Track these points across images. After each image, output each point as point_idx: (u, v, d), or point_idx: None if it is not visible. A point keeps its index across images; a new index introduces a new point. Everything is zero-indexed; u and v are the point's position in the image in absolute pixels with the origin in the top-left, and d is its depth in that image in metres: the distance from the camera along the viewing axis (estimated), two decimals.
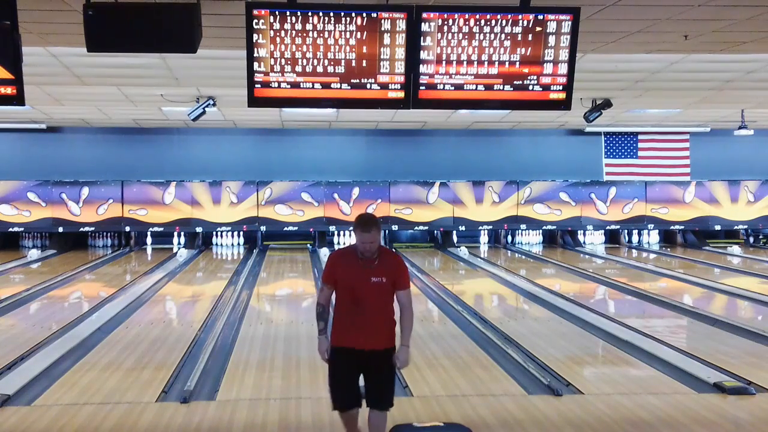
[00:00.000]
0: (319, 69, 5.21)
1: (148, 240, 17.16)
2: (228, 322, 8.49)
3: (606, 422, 5.05)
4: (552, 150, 17.18)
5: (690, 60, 8.46)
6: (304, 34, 5.13)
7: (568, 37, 5.31)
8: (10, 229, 16.18)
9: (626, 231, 18.02)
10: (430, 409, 5.30)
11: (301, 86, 5.25)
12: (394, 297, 4.32)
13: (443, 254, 16.25)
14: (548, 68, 5.39)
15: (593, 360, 7.18)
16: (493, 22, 5.23)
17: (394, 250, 16.98)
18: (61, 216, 16.19)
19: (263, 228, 16.72)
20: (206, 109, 11.26)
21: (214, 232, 16.90)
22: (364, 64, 5.23)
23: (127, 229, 16.55)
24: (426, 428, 4.43)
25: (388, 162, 16.90)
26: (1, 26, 4.84)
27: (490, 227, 17.38)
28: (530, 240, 17.79)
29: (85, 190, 16.26)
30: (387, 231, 17.18)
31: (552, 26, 5.28)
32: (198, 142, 16.46)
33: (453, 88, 5.37)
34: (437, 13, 5.19)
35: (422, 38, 5.22)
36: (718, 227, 17.73)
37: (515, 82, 5.40)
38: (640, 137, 16.34)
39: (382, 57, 5.23)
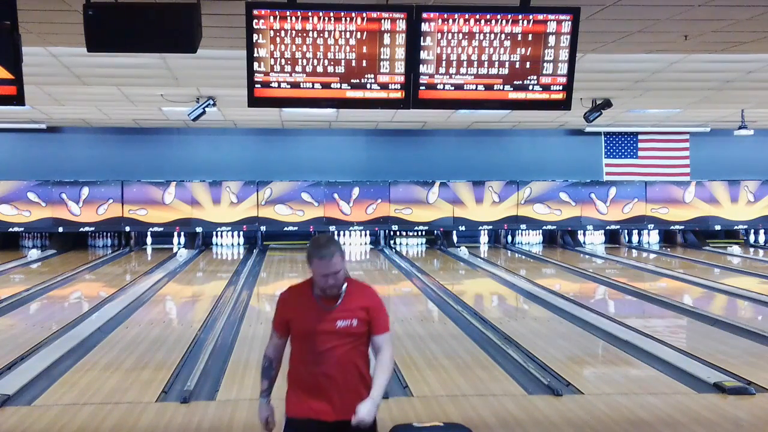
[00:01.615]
0: (319, 69, 5.21)
1: (148, 240, 17.16)
2: (228, 322, 8.49)
3: (606, 422, 5.05)
4: (552, 150, 17.18)
5: (690, 60, 8.46)
6: (304, 34, 5.13)
7: (568, 37, 5.31)
8: (10, 229, 16.18)
9: (626, 231, 18.01)
10: (430, 409, 5.30)
11: (301, 86, 5.25)
12: (369, 345, 3.32)
13: (443, 254, 16.25)
14: (548, 68, 5.38)
15: (593, 360, 7.18)
16: (493, 22, 5.23)
17: (392, 247, 17.05)
18: (61, 216, 16.19)
19: (263, 228, 16.72)
20: (206, 109, 11.26)
21: (214, 232, 16.90)
22: (364, 64, 5.22)
23: (127, 229, 16.55)
24: (426, 428, 4.41)
25: (388, 162, 16.90)
26: (1, 26, 4.83)
27: (490, 227, 17.38)
28: (530, 240, 17.80)
29: (85, 190, 16.26)
30: (386, 231, 17.18)
31: (552, 26, 5.28)
32: (198, 142, 16.46)
33: (453, 88, 5.37)
34: (437, 13, 5.19)
35: (422, 38, 5.22)
36: (718, 227, 17.73)
37: (515, 82, 5.40)
38: (640, 137, 16.35)
39: (382, 57, 5.23)
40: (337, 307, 3.24)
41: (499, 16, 5.22)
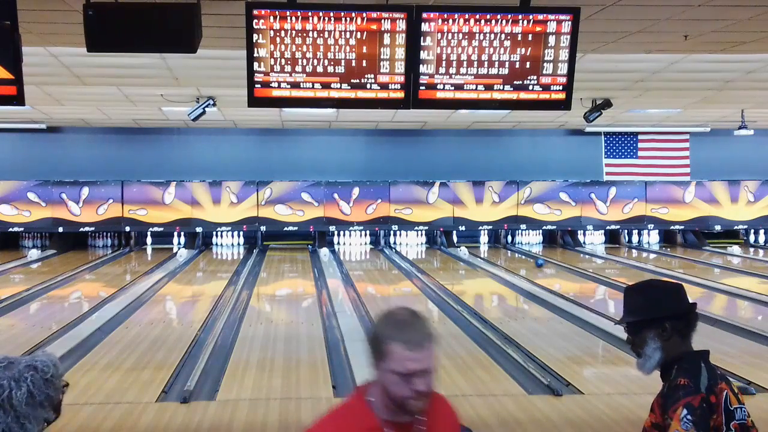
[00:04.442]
0: (319, 69, 5.21)
1: (148, 240, 17.15)
2: (228, 322, 8.49)
3: (606, 422, 5.05)
4: (552, 150, 17.17)
5: (690, 60, 8.46)
6: (304, 34, 5.12)
7: (568, 37, 5.31)
8: (10, 229, 16.17)
9: (626, 231, 18.00)
10: None
11: (301, 86, 5.25)
12: None
13: (443, 254, 16.25)
14: (548, 68, 5.38)
15: (593, 360, 7.18)
16: (493, 22, 5.23)
17: (392, 247, 17.02)
18: (61, 216, 16.18)
19: (263, 228, 16.71)
20: (206, 109, 11.25)
21: (214, 232, 16.89)
22: (364, 64, 5.22)
23: (127, 229, 16.54)
24: None
25: (388, 162, 16.89)
26: (1, 26, 4.83)
27: (490, 227, 17.37)
28: (530, 240, 17.79)
29: (85, 190, 16.25)
30: (384, 231, 17.16)
31: (552, 26, 5.27)
32: (198, 142, 16.46)
33: (453, 88, 5.37)
34: (437, 13, 5.19)
35: (422, 38, 5.22)
36: (718, 227, 17.72)
37: (515, 83, 5.39)
38: (640, 137, 16.32)
39: (382, 57, 5.23)
40: None
41: (499, 16, 5.22)
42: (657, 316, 2.46)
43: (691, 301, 2.54)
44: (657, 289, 2.55)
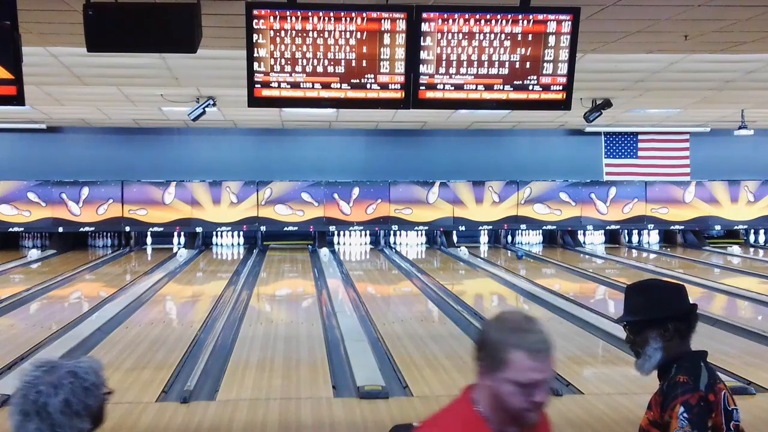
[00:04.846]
0: (319, 69, 5.21)
1: (148, 240, 17.15)
2: (228, 322, 8.49)
3: (606, 422, 5.05)
4: (552, 150, 17.16)
5: (690, 60, 8.46)
6: (304, 34, 5.12)
7: (568, 37, 5.30)
8: (10, 229, 16.17)
9: (626, 231, 18.00)
10: (430, 409, 5.27)
11: (301, 86, 5.25)
12: None
13: (443, 254, 16.25)
14: (548, 68, 5.38)
15: (593, 360, 7.18)
16: (493, 22, 5.23)
17: (392, 247, 17.03)
18: (61, 216, 16.18)
19: (263, 228, 16.71)
20: (206, 109, 11.25)
21: (214, 232, 16.89)
22: (364, 64, 5.22)
23: (127, 229, 16.54)
24: None
25: (388, 162, 16.89)
26: (1, 26, 4.83)
27: (490, 227, 17.37)
28: (530, 240, 17.79)
29: (85, 190, 16.25)
30: (384, 231, 17.15)
31: (552, 26, 5.27)
32: (198, 142, 16.46)
33: (453, 88, 5.36)
34: (437, 13, 5.19)
35: (422, 38, 5.21)
36: (718, 227, 17.72)
37: (515, 82, 5.39)
38: (640, 137, 16.31)
39: (382, 57, 5.22)
40: None
41: (499, 16, 5.22)
42: (659, 316, 2.45)
43: (691, 301, 2.54)
44: (659, 289, 2.55)
